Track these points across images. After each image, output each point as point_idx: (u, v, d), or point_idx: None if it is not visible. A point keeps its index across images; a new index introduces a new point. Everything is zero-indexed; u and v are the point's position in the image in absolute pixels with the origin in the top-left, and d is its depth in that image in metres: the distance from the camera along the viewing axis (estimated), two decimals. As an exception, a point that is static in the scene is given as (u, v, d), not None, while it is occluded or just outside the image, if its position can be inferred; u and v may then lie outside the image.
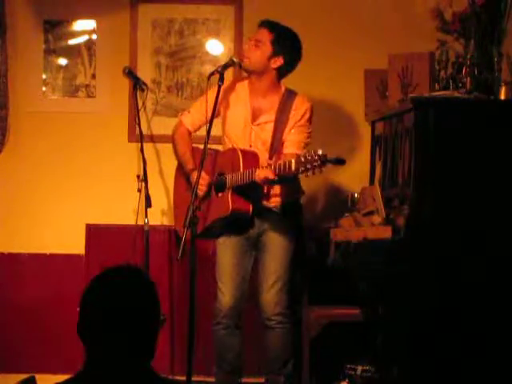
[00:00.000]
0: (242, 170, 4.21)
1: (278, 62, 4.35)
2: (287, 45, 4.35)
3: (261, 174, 4.10)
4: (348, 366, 4.56)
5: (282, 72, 4.40)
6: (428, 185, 4.07)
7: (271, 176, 4.05)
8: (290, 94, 4.41)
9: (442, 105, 4.13)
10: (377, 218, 4.29)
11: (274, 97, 4.40)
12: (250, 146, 4.37)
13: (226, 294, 4.39)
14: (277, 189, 4.34)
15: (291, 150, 4.29)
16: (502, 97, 4.23)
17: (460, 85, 4.33)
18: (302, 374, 4.66)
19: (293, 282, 4.58)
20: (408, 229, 4.03)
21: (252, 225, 4.36)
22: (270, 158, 4.32)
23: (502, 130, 4.12)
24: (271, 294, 4.35)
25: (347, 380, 4.56)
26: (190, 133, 4.53)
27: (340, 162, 3.95)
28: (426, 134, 4.07)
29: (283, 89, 4.43)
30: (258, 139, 4.37)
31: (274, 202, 4.37)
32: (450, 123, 4.08)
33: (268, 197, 4.35)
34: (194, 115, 4.51)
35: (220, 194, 4.33)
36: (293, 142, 4.33)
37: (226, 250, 4.42)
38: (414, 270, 3.99)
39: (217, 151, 4.48)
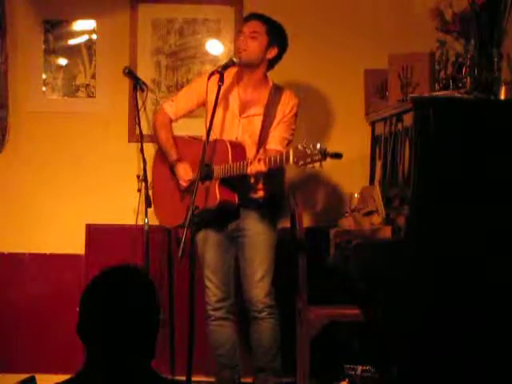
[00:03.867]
0: (230, 162, 4.23)
1: (273, 52, 4.40)
2: (280, 36, 4.41)
3: (253, 168, 4.12)
4: (348, 366, 4.56)
5: (272, 63, 4.44)
6: (428, 185, 4.06)
7: (264, 170, 4.09)
8: (278, 89, 4.45)
9: (442, 105, 4.12)
10: (377, 218, 4.29)
11: (262, 90, 4.43)
12: (236, 138, 4.38)
13: (212, 287, 4.45)
14: (254, 182, 4.37)
15: (274, 146, 4.34)
16: (502, 97, 4.22)
17: (460, 85, 4.33)
18: (301, 374, 4.66)
19: (292, 282, 4.59)
20: (408, 229, 4.03)
21: (237, 216, 4.37)
22: (258, 151, 4.34)
23: (502, 130, 4.12)
24: (261, 288, 4.39)
25: (347, 380, 4.56)
26: (171, 121, 4.57)
27: (338, 156, 3.95)
28: (426, 134, 4.07)
29: (271, 83, 4.46)
30: (246, 131, 4.39)
31: (259, 194, 4.39)
32: (450, 123, 4.08)
33: (255, 189, 4.36)
34: (179, 104, 4.55)
35: (205, 184, 4.32)
36: (276, 138, 4.36)
37: (208, 246, 4.45)
38: (414, 270, 3.99)
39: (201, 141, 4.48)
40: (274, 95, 4.41)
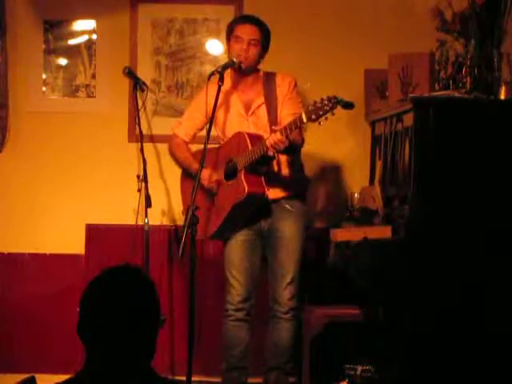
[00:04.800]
0: (250, 148, 4.24)
1: (265, 55, 4.45)
2: (269, 38, 4.45)
3: (271, 139, 4.10)
4: (348, 366, 4.56)
5: None
6: (428, 185, 4.07)
7: (281, 138, 4.07)
8: (270, 75, 4.47)
9: (442, 105, 4.13)
10: (377, 218, 4.29)
11: (257, 83, 4.46)
12: None
13: (237, 287, 4.43)
14: (284, 177, 4.38)
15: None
16: (502, 97, 4.23)
17: (460, 85, 4.34)
18: (302, 373, 4.66)
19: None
20: (408, 229, 4.03)
21: (269, 213, 4.37)
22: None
23: (502, 130, 4.12)
24: (289, 290, 4.39)
25: (347, 380, 4.56)
26: (186, 143, 4.57)
27: (350, 105, 3.97)
28: (426, 134, 4.07)
29: (261, 73, 4.48)
30: (257, 128, 4.40)
31: (284, 193, 4.39)
32: (450, 123, 4.08)
33: (280, 176, 4.36)
34: (188, 124, 4.56)
35: (232, 181, 4.33)
36: (287, 116, 4.33)
37: (235, 244, 4.44)
38: (414, 270, 3.99)
39: (218, 147, 4.49)
40: (267, 81, 4.43)
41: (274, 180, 4.34)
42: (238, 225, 4.40)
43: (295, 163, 4.43)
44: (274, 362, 4.47)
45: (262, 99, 4.41)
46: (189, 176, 4.53)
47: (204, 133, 4.26)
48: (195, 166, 4.42)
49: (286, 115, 4.34)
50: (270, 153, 4.17)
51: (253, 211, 4.35)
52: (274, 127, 4.20)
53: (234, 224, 4.39)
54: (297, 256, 4.40)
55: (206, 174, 4.36)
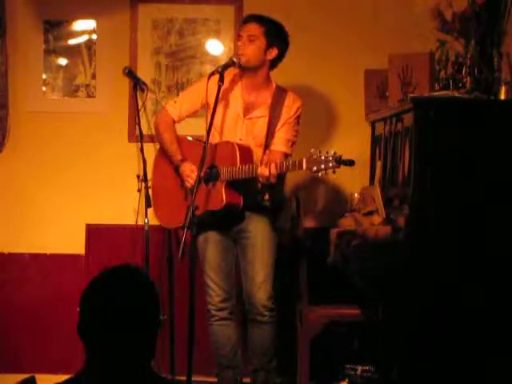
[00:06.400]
0: (239, 164, 4.22)
1: (273, 53, 4.38)
2: (279, 35, 4.39)
3: (264, 171, 4.10)
4: (348, 366, 4.56)
5: (274, 63, 4.43)
6: (428, 185, 4.06)
7: (275, 173, 4.08)
8: (281, 91, 4.44)
9: (442, 105, 4.12)
10: (377, 218, 4.29)
11: (266, 92, 4.43)
12: (240, 140, 4.37)
13: (215, 288, 4.44)
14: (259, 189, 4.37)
15: (279, 148, 4.36)
16: (502, 97, 4.22)
17: (460, 85, 4.34)
18: (302, 374, 4.66)
19: (293, 282, 4.59)
20: (408, 229, 4.03)
21: (242, 218, 4.36)
22: (264, 153, 4.35)
23: (502, 130, 4.11)
24: (264, 290, 4.38)
25: (347, 380, 4.56)
26: (174, 122, 4.55)
27: (351, 163, 3.95)
28: (425, 134, 4.07)
29: (274, 85, 4.46)
30: (249, 133, 4.38)
31: (265, 197, 4.40)
32: (449, 123, 4.08)
33: (260, 192, 4.36)
34: (182, 106, 4.52)
35: (210, 186, 4.32)
36: (281, 140, 4.37)
37: (209, 247, 4.44)
38: (414, 270, 3.99)
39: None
40: (277, 97, 4.40)
41: (249, 187, 4.32)
42: (208, 225, 4.38)
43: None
44: (258, 363, 4.48)
45: (266, 112, 4.39)
46: (168, 163, 4.50)
47: (203, 132, 4.26)
48: (178, 156, 4.43)
49: (280, 138, 4.36)
50: (259, 179, 4.17)
51: (225, 217, 4.35)
52: (267, 159, 4.20)
53: (204, 223, 4.35)
54: (267, 254, 4.39)
55: (189, 169, 4.33)
